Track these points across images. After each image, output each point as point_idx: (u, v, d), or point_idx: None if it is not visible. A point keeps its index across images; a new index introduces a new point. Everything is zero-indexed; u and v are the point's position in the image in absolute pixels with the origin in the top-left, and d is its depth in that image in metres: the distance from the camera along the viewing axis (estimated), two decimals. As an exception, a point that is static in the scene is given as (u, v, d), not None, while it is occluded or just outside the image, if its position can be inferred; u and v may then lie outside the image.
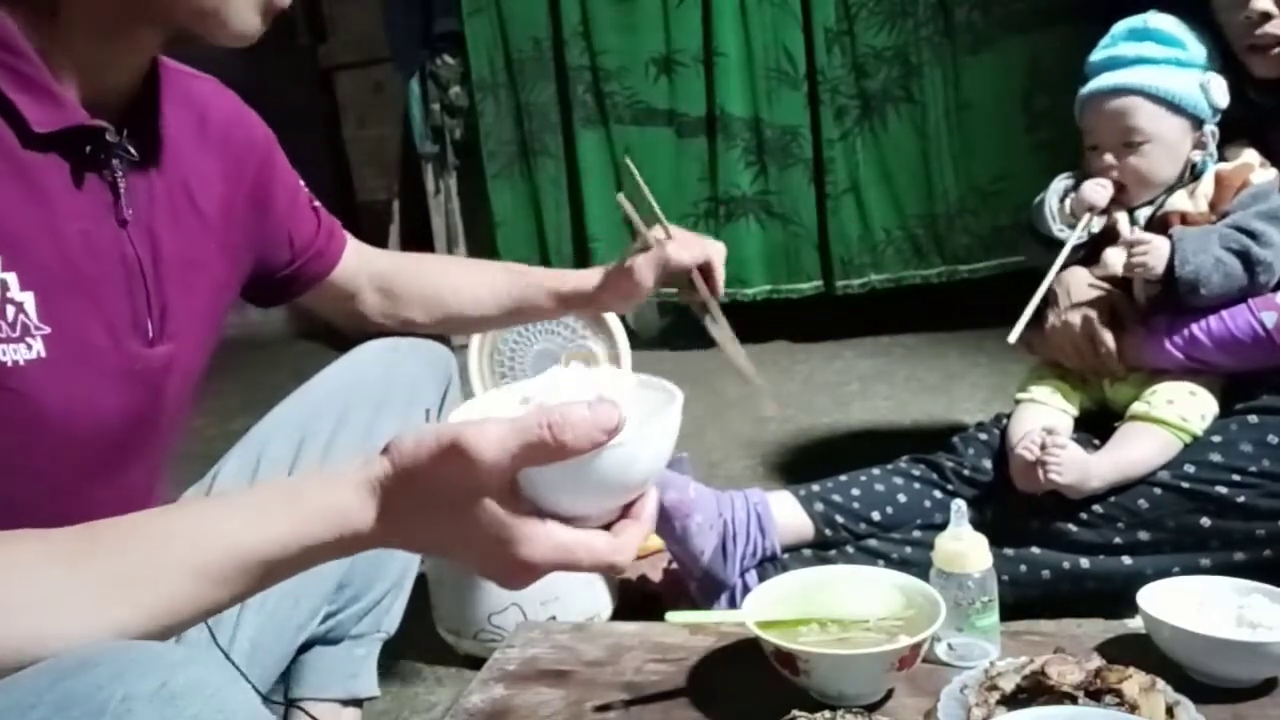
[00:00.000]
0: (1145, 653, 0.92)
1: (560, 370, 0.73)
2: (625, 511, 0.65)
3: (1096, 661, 0.84)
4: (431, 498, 0.60)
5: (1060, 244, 1.43)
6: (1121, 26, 1.47)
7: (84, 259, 0.76)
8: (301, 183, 1.08)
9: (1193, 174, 1.43)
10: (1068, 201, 1.46)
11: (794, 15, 2.92)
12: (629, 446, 0.61)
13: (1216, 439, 1.31)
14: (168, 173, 0.85)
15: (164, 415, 0.87)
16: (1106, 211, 1.44)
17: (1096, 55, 1.47)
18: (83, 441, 0.78)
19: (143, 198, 0.81)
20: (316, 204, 1.11)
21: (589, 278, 1.26)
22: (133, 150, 0.79)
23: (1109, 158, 1.43)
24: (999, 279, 2.87)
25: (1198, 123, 1.41)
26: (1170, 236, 1.35)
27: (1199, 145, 1.42)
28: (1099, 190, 1.42)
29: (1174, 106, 1.40)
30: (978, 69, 2.86)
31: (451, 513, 0.60)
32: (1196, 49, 1.41)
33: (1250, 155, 1.41)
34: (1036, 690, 0.82)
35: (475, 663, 1.40)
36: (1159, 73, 1.40)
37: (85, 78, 0.74)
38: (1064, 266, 1.44)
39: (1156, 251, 1.33)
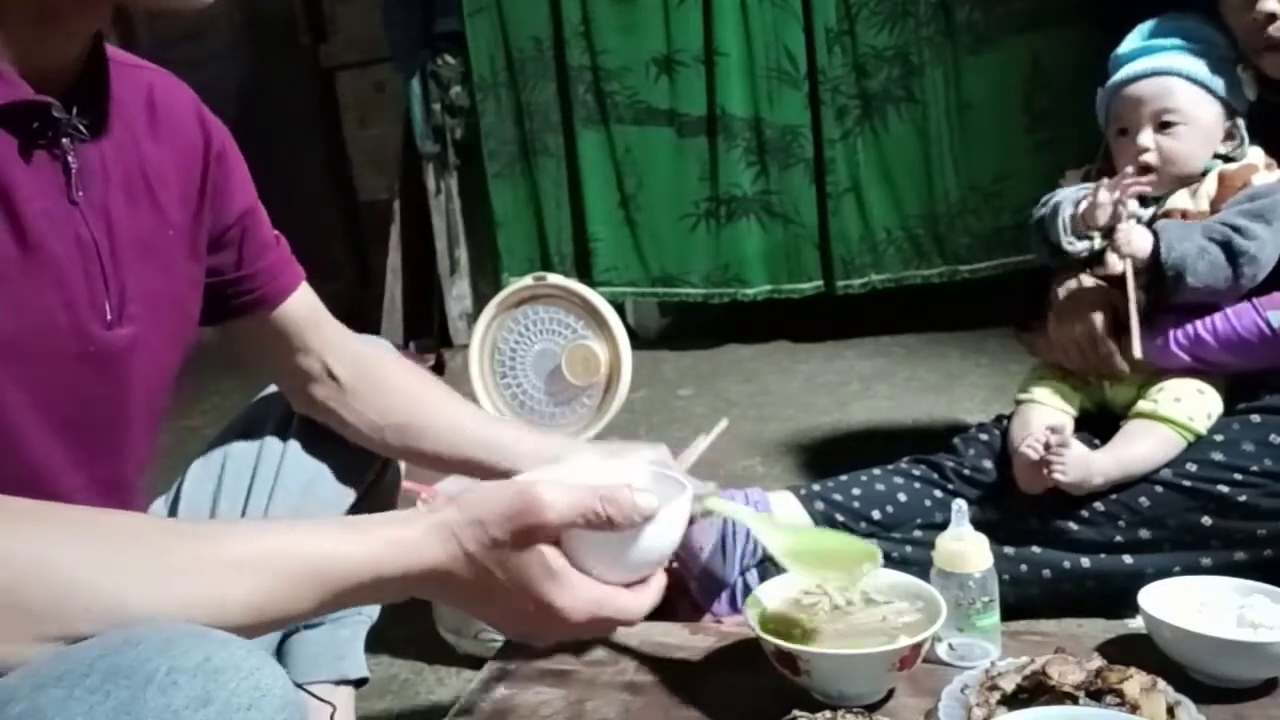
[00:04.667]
0: (1146, 653, 0.91)
1: (586, 459, 0.85)
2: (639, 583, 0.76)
3: (1097, 661, 0.84)
4: (495, 541, 0.68)
5: (1063, 251, 1.43)
6: (1149, 23, 1.47)
7: (43, 236, 0.75)
8: (262, 207, 1.03)
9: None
10: (1080, 216, 1.44)
11: (795, 15, 2.92)
12: (655, 529, 0.73)
13: (1219, 438, 1.31)
14: (123, 156, 0.84)
15: (131, 403, 0.86)
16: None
17: (1126, 47, 1.47)
18: (39, 424, 0.77)
19: (96, 178, 0.80)
20: (279, 235, 1.06)
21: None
22: (82, 128, 0.78)
23: (1144, 138, 1.41)
24: (1000, 279, 2.88)
25: (1230, 111, 1.41)
26: (1153, 230, 1.35)
27: (1229, 136, 1.41)
28: (1104, 210, 1.40)
29: (1211, 91, 1.40)
30: (978, 69, 2.86)
31: (512, 554, 0.68)
32: (1224, 43, 1.41)
33: (1256, 156, 1.40)
34: (1037, 690, 0.82)
35: (475, 663, 1.40)
36: (1197, 59, 1.40)
37: (26, 56, 0.73)
38: (1073, 268, 1.45)
39: (1140, 238, 1.34)
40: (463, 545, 0.67)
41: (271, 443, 1.10)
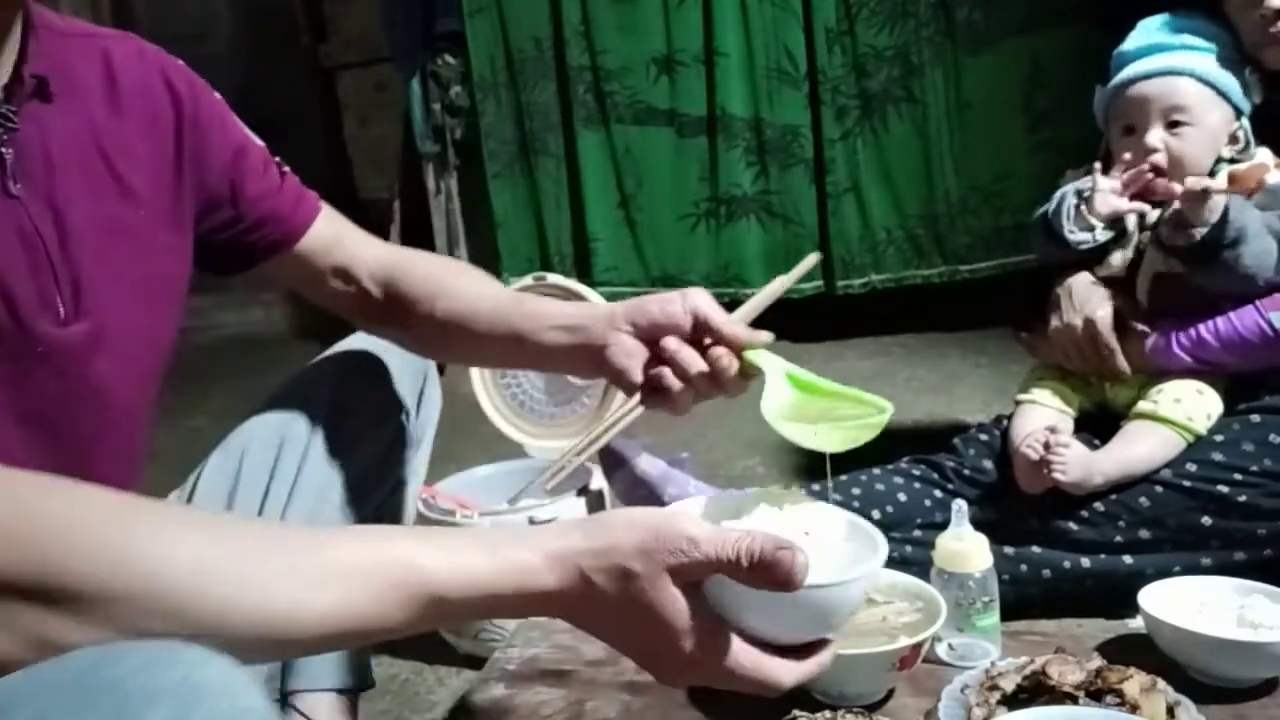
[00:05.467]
0: (1146, 653, 0.92)
1: (772, 511, 0.78)
2: (806, 650, 0.67)
3: (1097, 661, 0.84)
4: (626, 573, 0.61)
5: (1070, 245, 1.42)
6: (1154, 19, 1.46)
7: None
8: (258, 141, 0.99)
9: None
10: (1083, 207, 1.43)
11: (795, 15, 2.92)
12: (824, 590, 0.64)
13: (1219, 438, 1.31)
14: (74, 137, 0.81)
15: (101, 395, 0.83)
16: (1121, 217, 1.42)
17: (1131, 44, 1.46)
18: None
19: (38, 166, 0.78)
20: (285, 169, 1.01)
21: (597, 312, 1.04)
22: (13, 119, 0.76)
23: (1153, 137, 1.39)
24: (1000, 279, 2.88)
25: (1236, 114, 1.41)
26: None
27: (1233, 139, 1.41)
28: (1110, 200, 1.39)
29: (1220, 93, 1.39)
30: (978, 69, 2.86)
31: (643, 589, 0.62)
32: (1230, 43, 1.41)
33: (1264, 155, 1.39)
34: (1037, 690, 0.82)
35: (475, 663, 1.40)
36: (1206, 59, 1.40)
37: None
38: (1083, 261, 1.44)
39: (1213, 202, 1.29)
40: (586, 574, 0.62)
41: (292, 442, 1.07)
